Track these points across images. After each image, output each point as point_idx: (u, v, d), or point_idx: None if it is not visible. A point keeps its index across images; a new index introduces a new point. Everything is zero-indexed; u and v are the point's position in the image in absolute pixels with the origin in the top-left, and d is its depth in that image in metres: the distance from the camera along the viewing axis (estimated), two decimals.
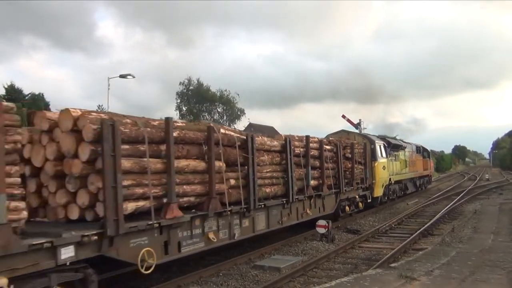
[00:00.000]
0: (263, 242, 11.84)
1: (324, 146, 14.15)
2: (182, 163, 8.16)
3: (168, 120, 7.84)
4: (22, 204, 5.58)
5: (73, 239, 6.04)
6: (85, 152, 6.73)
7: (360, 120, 45.25)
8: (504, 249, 10.70)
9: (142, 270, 7.02)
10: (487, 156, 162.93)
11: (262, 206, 10.42)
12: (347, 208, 16.33)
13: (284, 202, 11.46)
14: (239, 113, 53.57)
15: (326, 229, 12.63)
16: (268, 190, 10.87)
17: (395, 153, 23.90)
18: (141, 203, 7.25)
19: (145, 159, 7.39)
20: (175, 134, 7.95)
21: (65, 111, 6.92)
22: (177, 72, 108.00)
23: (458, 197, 24.16)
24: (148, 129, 7.59)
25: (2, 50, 77.68)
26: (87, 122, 6.77)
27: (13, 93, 31.17)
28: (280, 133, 17.56)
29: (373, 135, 22.88)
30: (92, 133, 6.68)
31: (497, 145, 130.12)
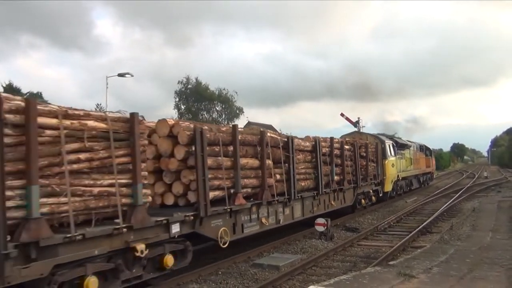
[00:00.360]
0: (262, 240, 11.82)
1: (344, 146, 16.13)
2: (243, 161, 10.04)
3: (235, 126, 9.96)
4: (148, 191, 7.53)
5: (179, 218, 7.92)
6: (180, 153, 8.67)
7: (358, 118, 45.50)
8: (502, 247, 10.72)
9: (221, 245, 9.02)
10: (485, 154, 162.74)
11: (299, 197, 12.36)
12: (362, 201, 18.21)
13: (315, 194, 13.46)
14: (237, 111, 52.88)
15: (325, 227, 12.67)
16: (303, 184, 12.88)
17: (402, 151, 25.57)
18: (217, 193, 9.15)
19: (219, 158, 9.28)
20: (239, 137, 9.79)
21: (163, 121, 8.90)
22: (175, 71, 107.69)
23: (457, 195, 24.25)
24: (221, 133, 9.47)
25: (0, 49, 77.33)
26: (181, 129, 8.72)
27: (11, 92, 30.65)
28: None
29: (382, 135, 24.97)
30: (186, 138, 8.62)
31: (495, 143, 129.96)
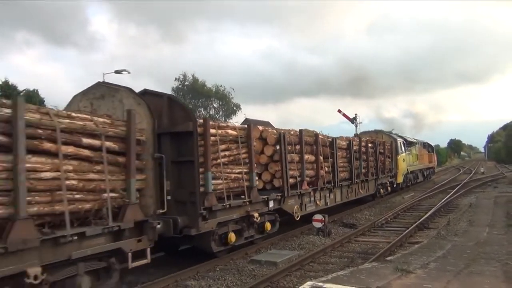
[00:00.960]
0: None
1: (368, 144, 20.08)
2: (306, 156, 13.78)
3: (301, 130, 13.79)
4: (257, 177, 11.23)
5: (274, 197, 11.75)
6: (269, 151, 12.44)
7: (356, 114, 46.13)
8: (499, 242, 10.85)
9: (296, 218, 12.86)
10: (482, 150, 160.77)
11: (340, 185, 16.15)
12: (381, 190, 22.05)
13: (349, 183, 17.22)
14: (235, 108, 52.91)
15: (323, 223, 12.88)
16: (342, 175, 16.59)
17: (409, 148, 29.22)
18: (291, 180, 12.76)
19: (292, 154, 12.91)
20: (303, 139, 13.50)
21: (255, 127, 12.15)
22: (171, 68, 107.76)
23: (454, 191, 24.72)
24: (292, 136, 13.26)
25: None
26: (269, 133, 12.39)
27: (7, 89, 29.14)
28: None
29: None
30: (274, 140, 12.35)
31: (492, 138, 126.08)
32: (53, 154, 6.13)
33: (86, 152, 6.72)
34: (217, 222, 9.32)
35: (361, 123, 46.26)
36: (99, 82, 8.51)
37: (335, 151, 15.76)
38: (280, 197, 11.97)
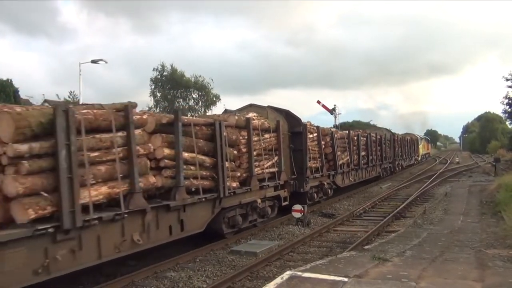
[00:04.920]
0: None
1: (409, 139, 39.73)
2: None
3: (405, 134, 42.76)
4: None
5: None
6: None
7: (335, 105, 47.02)
8: (472, 230, 11.17)
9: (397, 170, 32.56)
10: (457, 140, 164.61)
11: (403, 157, 36.18)
12: (415, 162, 43.21)
13: (409, 157, 40.24)
14: (214, 99, 52.49)
15: (302, 214, 12.87)
16: (409, 152, 39.35)
17: (421, 141, 51.36)
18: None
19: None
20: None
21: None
22: (146, 58, 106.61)
23: (430, 180, 25.28)
24: (399, 136, 36.09)
25: None
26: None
27: None
28: None
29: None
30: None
31: (467, 129, 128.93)
32: None
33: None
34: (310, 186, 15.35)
35: (340, 114, 48.70)
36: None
37: (404, 142, 35.50)
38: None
